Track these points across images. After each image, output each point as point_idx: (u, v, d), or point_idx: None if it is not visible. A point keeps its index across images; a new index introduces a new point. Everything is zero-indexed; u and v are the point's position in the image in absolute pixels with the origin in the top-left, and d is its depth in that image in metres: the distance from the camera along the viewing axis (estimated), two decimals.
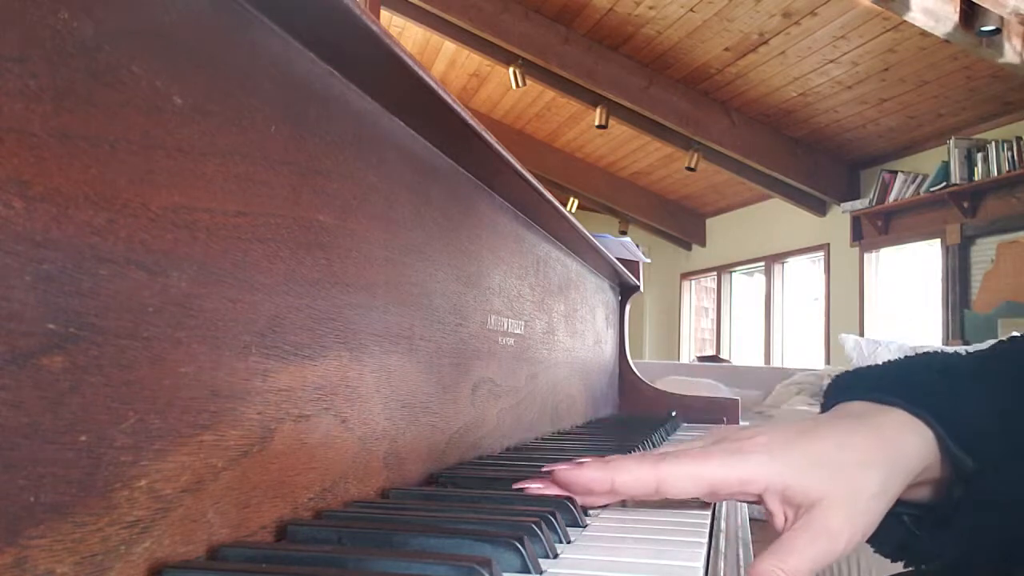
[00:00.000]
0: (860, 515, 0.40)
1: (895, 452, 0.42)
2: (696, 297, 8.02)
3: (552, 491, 0.45)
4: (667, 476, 0.42)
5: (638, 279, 1.48)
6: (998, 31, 3.48)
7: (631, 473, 0.42)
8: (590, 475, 0.43)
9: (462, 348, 0.62)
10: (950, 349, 0.53)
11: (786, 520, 0.40)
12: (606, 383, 1.34)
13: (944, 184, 4.68)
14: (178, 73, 0.29)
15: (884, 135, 5.06)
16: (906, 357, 0.49)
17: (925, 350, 0.50)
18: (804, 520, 0.40)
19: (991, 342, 0.51)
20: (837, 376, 0.50)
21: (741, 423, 1.44)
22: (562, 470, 0.45)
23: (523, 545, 0.32)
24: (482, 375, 0.68)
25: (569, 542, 0.38)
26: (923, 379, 0.46)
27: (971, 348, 0.53)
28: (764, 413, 3.35)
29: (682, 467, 0.42)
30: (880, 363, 0.49)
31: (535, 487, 0.46)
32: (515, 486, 0.46)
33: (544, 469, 0.47)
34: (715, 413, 1.40)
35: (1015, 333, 0.54)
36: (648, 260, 1.62)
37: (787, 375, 3.89)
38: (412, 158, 0.52)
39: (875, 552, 0.47)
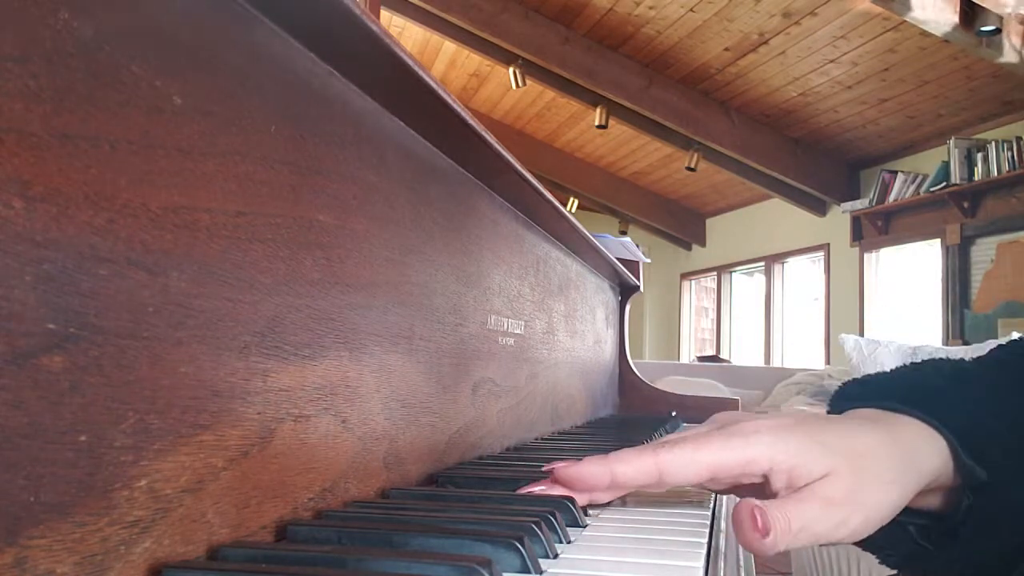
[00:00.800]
0: (866, 497, 0.39)
1: (908, 454, 0.41)
2: (696, 297, 8.02)
3: (556, 491, 0.45)
4: (667, 463, 0.41)
5: (638, 279, 1.48)
6: (998, 31, 3.48)
7: (631, 464, 0.42)
8: (590, 470, 0.43)
9: (462, 348, 0.62)
10: (954, 351, 0.52)
11: None
12: (606, 383, 1.34)
13: (944, 184, 4.68)
14: (178, 73, 0.29)
15: (884, 135, 5.06)
16: (913, 364, 0.48)
17: (930, 355, 0.50)
18: (806, 489, 0.39)
19: (992, 343, 0.51)
20: (843, 385, 0.49)
21: None
22: (562, 467, 0.45)
23: (523, 545, 0.32)
24: (482, 375, 0.68)
25: (569, 542, 0.38)
26: (933, 386, 0.45)
27: (971, 348, 0.53)
28: (764, 413, 3.34)
29: (682, 453, 0.41)
30: (887, 371, 0.48)
31: (539, 489, 0.46)
32: (519, 491, 0.46)
33: (544, 468, 0.47)
34: (715, 413, 1.40)
35: (1015, 334, 0.54)
36: (648, 260, 1.62)
37: (787, 375, 3.89)
38: (412, 158, 0.52)
39: (880, 563, 0.47)
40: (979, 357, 0.49)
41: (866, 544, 0.46)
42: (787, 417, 0.43)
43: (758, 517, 0.37)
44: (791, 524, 0.37)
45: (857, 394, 0.47)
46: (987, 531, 0.42)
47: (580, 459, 0.45)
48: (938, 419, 0.42)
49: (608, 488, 0.44)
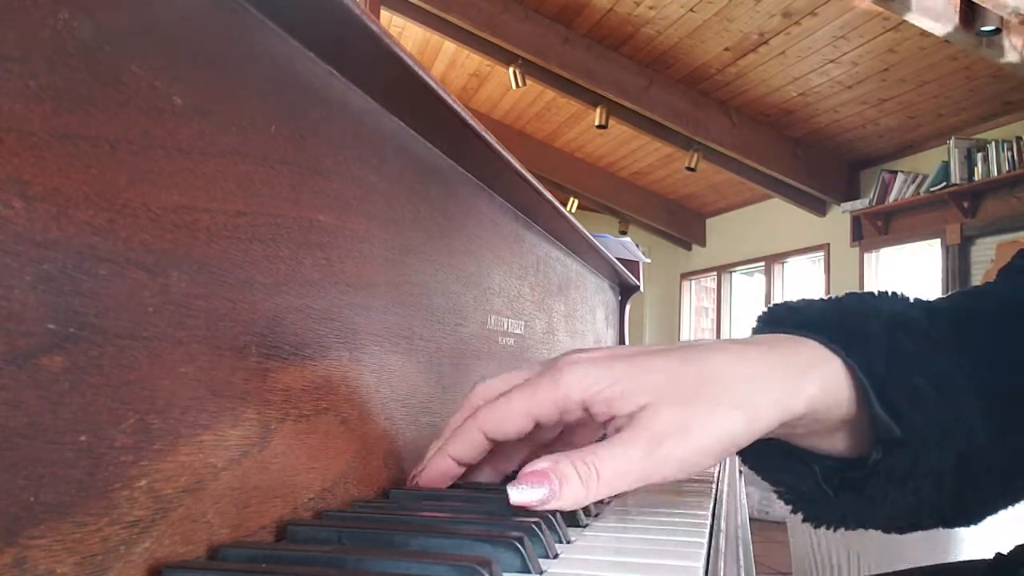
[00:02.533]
0: (698, 425, 0.35)
1: (775, 379, 0.37)
2: (696, 297, 8.02)
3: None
4: (485, 423, 0.40)
5: (638, 279, 1.48)
6: (998, 31, 3.48)
7: (460, 441, 0.41)
8: (436, 466, 0.42)
9: (462, 348, 0.62)
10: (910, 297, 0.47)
11: None
12: None
13: (944, 184, 4.68)
14: (178, 73, 0.29)
15: (884, 135, 5.06)
16: (855, 296, 0.43)
17: (875, 292, 0.45)
18: (626, 426, 0.36)
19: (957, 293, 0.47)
20: (773, 306, 0.45)
21: None
22: (421, 475, 0.44)
23: (523, 545, 0.32)
24: (482, 375, 0.68)
25: (569, 542, 0.38)
26: (861, 325, 0.40)
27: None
28: None
29: (497, 409, 0.39)
30: (824, 299, 0.44)
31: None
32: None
33: (405, 486, 0.46)
34: None
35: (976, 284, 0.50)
36: (648, 260, 1.62)
37: None
38: (412, 158, 0.52)
39: (777, 497, 0.43)
40: (940, 303, 0.45)
41: (760, 470, 0.43)
42: (619, 348, 0.40)
43: (540, 476, 0.35)
44: (599, 469, 0.35)
45: (782, 318, 0.43)
46: (892, 491, 0.38)
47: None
48: (857, 363, 0.38)
49: (457, 473, 0.43)
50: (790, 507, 0.43)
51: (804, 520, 0.43)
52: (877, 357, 0.38)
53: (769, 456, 0.43)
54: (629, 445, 0.36)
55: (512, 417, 0.39)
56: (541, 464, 0.37)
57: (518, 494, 0.37)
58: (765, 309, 0.45)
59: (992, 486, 0.41)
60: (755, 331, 0.44)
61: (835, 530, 0.43)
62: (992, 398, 0.39)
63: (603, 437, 0.39)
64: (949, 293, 0.48)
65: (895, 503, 0.39)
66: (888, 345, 0.39)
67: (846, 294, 0.44)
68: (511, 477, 0.38)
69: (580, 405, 0.38)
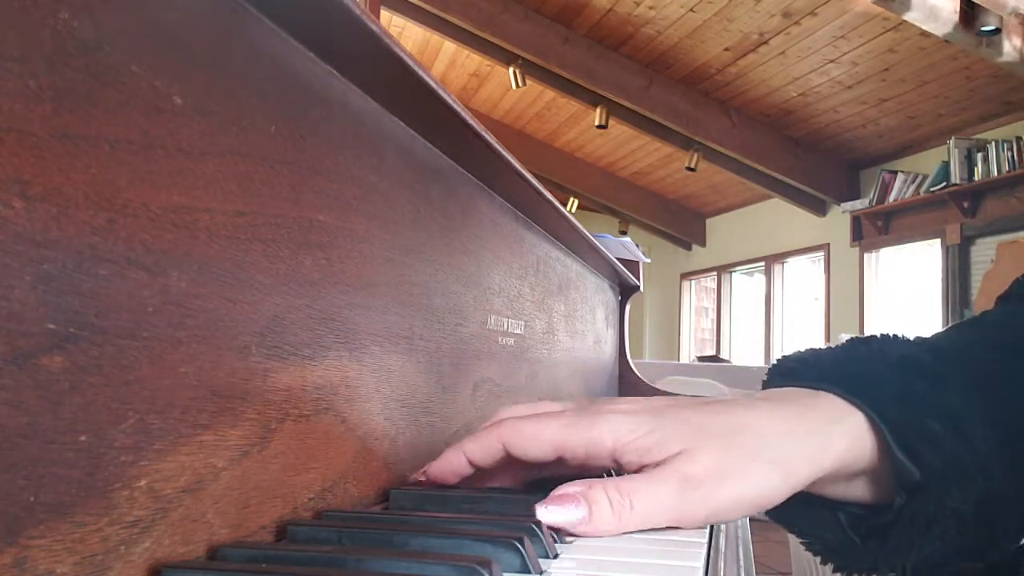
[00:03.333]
0: (736, 476, 0.35)
1: (807, 435, 0.37)
2: (696, 297, 8.02)
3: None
4: (509, 436, 0.40)
5: (638, 279, 1.48)
6: (998, 31, 3.48)
7: (478, 441, 0.41)
8: (448, 458, 0.43)
9: (462, 348, 0.62)
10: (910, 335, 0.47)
11: None
12: (606, 383, 1.34)
13: (944, 184, 4.68)
14: (178, 73, 0.29)
15: (884, 135, 5.06)
16: (860, 342, 0.44)
17: (878, 335, 0.45)
18: (661, 465, 0.36)
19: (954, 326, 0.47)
20: (781, 359, 0.45)
21: None
22: (430, 467, 0.44)
23: (523, 545, 0.32)
24: (482, 375, 0.68)
25: (569, 542, 0.38)
26: (873, 372, 0.40)
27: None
28: None
29: (526, 427, 0.39)
30: (829, 348, 0.44)
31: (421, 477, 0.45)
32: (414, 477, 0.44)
33: (412, 478, 0.46)
34: None
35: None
36: (648, 260, 1.62)
37: None
38: (412, 158, 0.52)
39: (805, 549, 0.43)
40: (940, 340, 0.45)
41: (787, 523, 0.43)
42: (654, 400, 0.40)
43: (571, 499, 0.35)
44: (634, 501, 0.35)
45: (793, 370, 0.44)
46: (918, 536, 0.38)
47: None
48: (873, 407, 0.39)
49: (469, 473, 0.43)
50: (819, 557, 0.43)
51: (835, 571, 0.42)
52: (891, 402, 0.39)
53: (793, 507, 0.42)
54: (663, 483, 0.36)
55: (539, 440, 0.39)
56: (574, 488, 0.37)
57: (548, 514, 0.37)
58: (776, 361, 0.46)
59: (1013, 520, 0.40)
60: (766, 384, 0.45)
61: None
62: (1003, 429, 0.39)
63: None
64: (947, 327, 0.48)
65: (921, 548, 0.39)
66: (899, 389, 0.39)
67: (850, 340, 0.45)
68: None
69: (611, 453, 0.38)
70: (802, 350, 0.45)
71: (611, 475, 0.41)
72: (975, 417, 0.39)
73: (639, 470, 0.38)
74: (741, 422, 0.37)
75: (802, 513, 0.43)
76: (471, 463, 0.43)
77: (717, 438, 0.37)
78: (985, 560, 0.42)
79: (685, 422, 0.37)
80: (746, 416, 0.38)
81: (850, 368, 0.41)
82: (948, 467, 0.38)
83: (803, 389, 0.41)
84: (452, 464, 0.43)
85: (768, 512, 0.41)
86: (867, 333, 0.46)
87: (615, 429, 0.38)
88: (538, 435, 0.39)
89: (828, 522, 0.42)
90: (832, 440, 0.38)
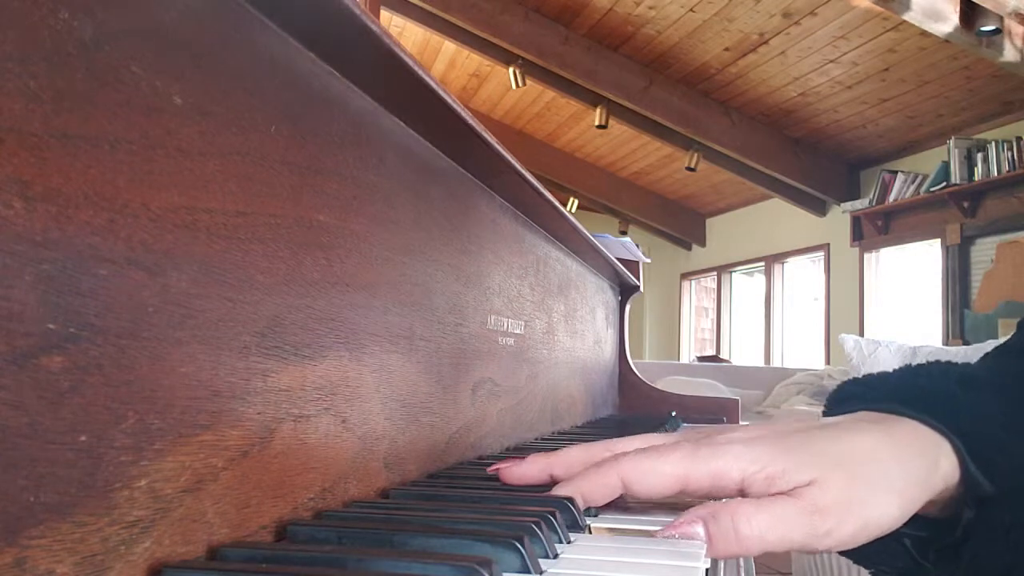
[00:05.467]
0: (862, 506, 0.35)
1: (915, 461, 0.38)
2: (696, 297, 8.02)
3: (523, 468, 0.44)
4: (629, 475, 0.39)
5: (638, 279, 1.48)
6: (998, 31, 3.48)
7: (591, 481, 0.40)
8: (529, 472, 0.42)
9: (462, 348, 0.62)
10: (954, 352, 0.49)
11: None
12: (606, 383, 1.34)
13: (944, 184, 4.68)
14: (178, 73, 0.29)
15: (884, 135, 5.06)
16: (918, 365, 0.44)
17: (929, 355, 0.47)
18: (791, 493, 0.36)
19: (992, 343, 0.49)
20: (842, 384, 0.46)
21: (741, 423, 1.44)
22: (506, 467, 0.44)
23: (523, 545, 0.32)
24: (482, 375, 0.68)
25: (569, 542, 0.38)
26: (941, 390, 0.41)
27: (971, 349, 0.50)
28: (764, 413, 3.35)
29: (644, 463, 0.38)
30: (889, 371, 0.45)
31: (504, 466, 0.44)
32: (490, 470, 0.44)
33: (490, 470, 0.46)
34: (715, 413, 1.40)
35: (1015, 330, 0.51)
36: (648, 260, 1.62)
37: (787, 375, 3.88)
38: (412, 158, 0.52)
39: None
40: (988, 360, 0.46)
41: (858, 557, 0.43)
42: (773, 426, 0.40)
43: (699, 526, 0.35)
44: (765, 532, 0.35)
45: (857, 394, 0.44)
46: (990, 549, 0.38)
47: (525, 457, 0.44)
48: (948, 425, 0.39)
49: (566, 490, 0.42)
50: None
51: None
52: (964, 418, 0.39)
53: None
54: (796, 514, 0.35)
55: (661, 477, 0.38)
56: (699, 512, 0.37)
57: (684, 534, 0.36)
58: (839, 386, 0.46)
59: None
60: (828, 411, 0.45)
61: None
62: None
63: None
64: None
65: (995, 562, 0.39)
66: (967, 404, 0.40)
67: (905, 366, 0.45)
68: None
69: (737, 484, 0.37)
70: (864, 376, 0.46)
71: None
72: None
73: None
74: (861, 450, 0.37)
75: (868, 544, 0.41)
76: (587, 502, 0.41)
77: (843, 467, 0.36)
78: None
79: (809, 451, 0.37)
80: (863, 443, 0.38)
81: (917, 386, 0.42)
82: (1017, 477, 0.38)
83: (889, 415, 0.41)
84: (533, 478, 0.43)
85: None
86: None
87: (739, 459, 0.37)
88: (658, 471, 0.38)
89: (895, 550, 0.42)
90: (939, 463, 0.38)
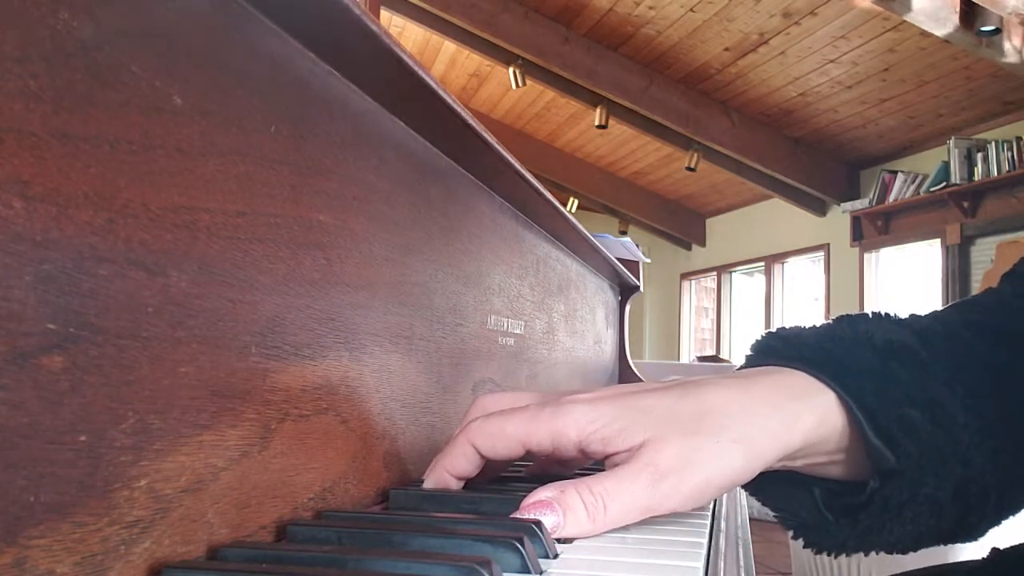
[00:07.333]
0: (701, 459, 0.35)
1: (765, 411, 0.37)
2: (696, 297, 8.02)
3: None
4: (476, 438, 0.40)
5: (638, 279, 1.48)
6: (998, 31, 3.48)
7: (450, 454, 0.41)
8: (436, 478, 0.43)
9: (462, 348, 0.62)
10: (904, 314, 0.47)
11: None
12: (606, 383, 1.34)
13: (944, 184, 4.69)
14: (178, 73, 0.29)
15: (884, 135, 5.06)
16: (848, 323, 0.43)
17: (869, 314, 0.45)
18: (629, 459, 0.36)
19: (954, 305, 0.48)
20: (764, 336, 0.45)
21: None
22: (424, 487, 0.44)
23: (523, 545, 0.32)
24: (482, 375, 0.68)
25: (569, 542, 0.38)
26: (855, 356, 0.40)
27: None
28: None
29: (491, 426, 0.39)
30: (815, 327, 0.44)
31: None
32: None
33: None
34: None
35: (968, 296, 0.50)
36: (648, 260, 1.62)
37: None
38: (412, 158, 0.52)
39: (778, 523, 0.44)
40: (935, 320, 0.45)
41: (764, 498, 0.44)
42: (620, 387, 0.40)
43: (544, 505, 0.36)
44: (607, 502, 0.35)
45: (775, 349, 0.43)
46: (888, 518, 0.39)
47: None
48: (851, 396, 0.39)
49: (460, 477, 0.43)
50: (791, 532, 0.43)
51: (805, 546, 0.43)
52: (870, 387, 0.39)
53: (770, 482, 0.42)
54: (634, 479, 0.36)
55: (505, 439, 0.39)
56: (546, 493, 0.37)
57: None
58: (757, 338, 0.45)
59: (991, 506, 0.41)
60: (748, 360, 0.45)
61: (835, 557, 0.42)
62: (985, 417, 0.40)
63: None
64: (948, 304, 0.49)
65: (892, 531, 0.39)
66: (881, 374, 0.39)
67: (838, 319, 0.44)
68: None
69: (576, 444, 0.38)
70: (787, 327, 0.45)
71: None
72: (957, 404, 0.39)
73: (605, 457, 0.38)
74: (706, 405, 0.37)
75: (778, 489, 0.43)
76: (457, 478, 0.42)
77: (681, 424, 0.36)
78: (952, 543, 0.42)
79: (647, 410, 0.37)
80: (711, 397, 0.38)
81: (833, 351, 0.41)
82: (925, 455, 0.38)
83: (778, 368, 0.41)
84: (442, 483, 0.43)
85: (745, 487, 0.42)
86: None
87: (577, 420, 0.38)
88: (502, 433, 0.39)
89: (803, 499, 0.42)
90: (799, 417, 0.38)
